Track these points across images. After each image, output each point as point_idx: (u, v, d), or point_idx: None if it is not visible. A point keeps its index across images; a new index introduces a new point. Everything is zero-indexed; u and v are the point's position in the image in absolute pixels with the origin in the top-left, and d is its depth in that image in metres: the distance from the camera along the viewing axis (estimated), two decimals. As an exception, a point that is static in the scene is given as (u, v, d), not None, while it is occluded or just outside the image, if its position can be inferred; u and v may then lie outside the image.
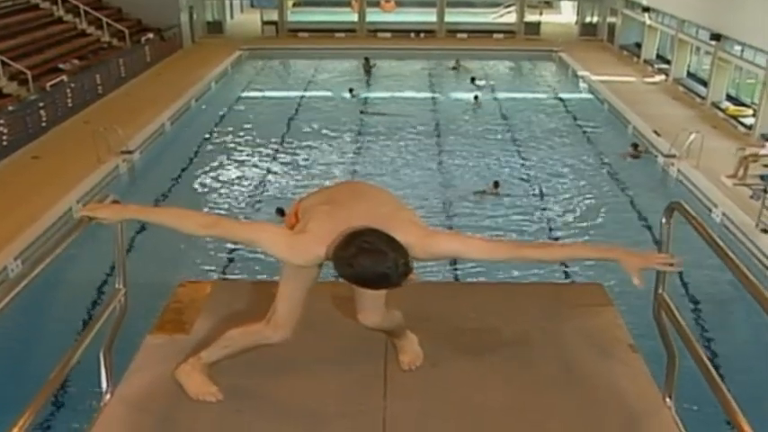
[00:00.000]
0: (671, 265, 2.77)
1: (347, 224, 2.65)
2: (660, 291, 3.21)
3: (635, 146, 16.61)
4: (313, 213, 2.78)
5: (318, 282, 3.11)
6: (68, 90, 18.01)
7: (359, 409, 3.15)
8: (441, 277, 9.96)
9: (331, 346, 3.58)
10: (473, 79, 23.40)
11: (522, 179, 15.12)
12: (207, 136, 17.87)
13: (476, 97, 21.32)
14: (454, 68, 25.51)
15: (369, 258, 2.53)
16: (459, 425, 3.05)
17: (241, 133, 18.05)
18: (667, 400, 3.19)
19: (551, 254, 3.46)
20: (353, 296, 3.20)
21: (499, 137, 18.05)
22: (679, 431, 3.05)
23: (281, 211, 12.45)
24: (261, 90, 23.22)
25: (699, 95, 20.70)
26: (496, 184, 14.13)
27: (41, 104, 16.69)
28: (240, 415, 3.12)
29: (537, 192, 14.31)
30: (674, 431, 3.05)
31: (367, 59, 25.43)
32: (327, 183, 14.64)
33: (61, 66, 19.64)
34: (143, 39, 24.62)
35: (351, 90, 22.34)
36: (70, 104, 17.88)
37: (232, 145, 17.22)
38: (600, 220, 13.05)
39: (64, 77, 18.47)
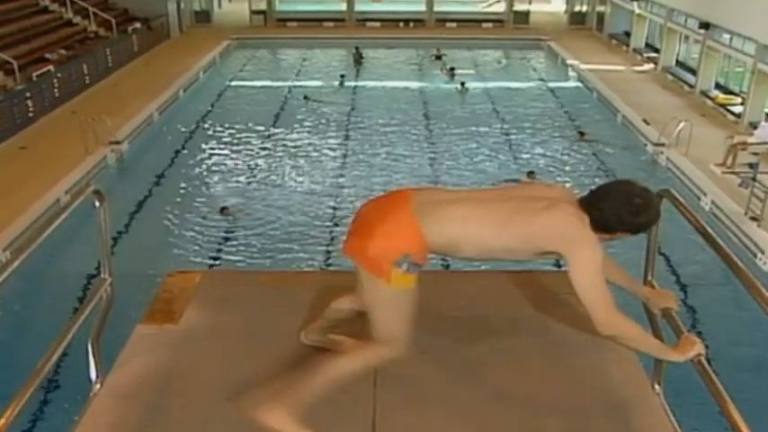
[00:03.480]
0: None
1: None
2: (649, 277, 3.23)
3: (581, 133, 16.90)
4: (519, 212, 2.74)
5: (305, 271, 3.11)
6: (55, 80, 17.88)
7: (349, 397, 3.14)
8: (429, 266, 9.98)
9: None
10: (452, 69, 23.19)
11: (512, 168, 15.14)
12: (196, 126, 17.78)
13: (462, 83, 21.26)
14: (437, 58, 25.32)
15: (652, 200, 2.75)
16: (448, 411, 3.06)
17: (230, 123, 17.95)
18: (656, 386, 3.20)
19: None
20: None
21: (487, 126, 18.02)
22: (667, 418, 3.06)
23: (224, 209, 12.34)
24: (250, 79, 23.12)
25: (688, 84, 20.74)
26: (531, 174, 14.00)
27: (28, 94, 16.57)
28: (230, 404, 3.11)
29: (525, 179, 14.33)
30: (663, 418, 3.07)
31: (357, 49, 25.32)
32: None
33: (48, 55, 19.47)
34: (130, 28, 24.45)
35: (342, 76, 22.33)
36: (57, 94, 17.75)
37: (221, 135, 17.14)
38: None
39: (50, 67, 18.33)
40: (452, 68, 23.10)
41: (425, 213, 2.74)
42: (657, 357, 2.73)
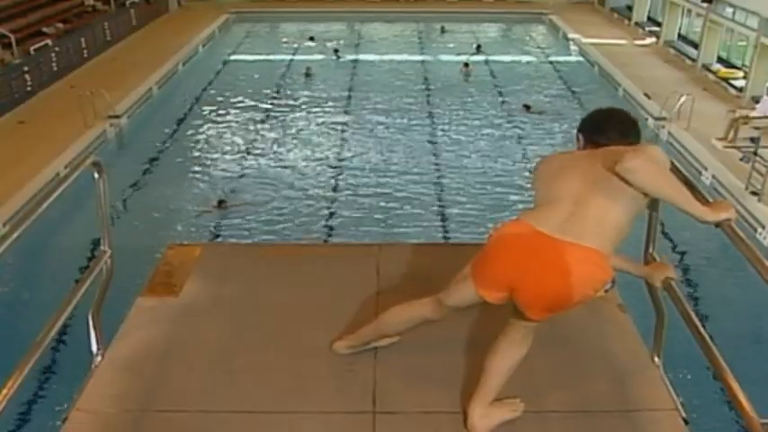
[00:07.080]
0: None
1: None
2: (650, 250, 3.22)
3: (527, 106, 16.94)
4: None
5: (305, 244, 3.10)
6: (53, 54, 17.76)
7: (349, 369, 3.16)
8: (431, 238, 10.02)
9: (321, 307, 3.58)
10: (479, 47, 22.81)
11: (512, 142, 15.11)
12: (195, 100, 17.70)
13: (466, 64, 20.90)
14: (442, 32, 25.18)
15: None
16: (448, 384, 3.07)
17: (229, 97, 17.87)
18: (656, 358, 3.21)
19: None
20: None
21: (486, 100, 17.93)
22: (667, 389, 3.08)
23: (221, 203, 11.86)
24: (249, 53, 22.98)
25: (690, 58, 20.60)
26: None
27: (26, 68, 16.47)
28: (230, 375, 3.13)
29: (527, 155, 14.29)
30: (662, 389, 3.08)
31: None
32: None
33: (45, 29, 19.31)
34: (128, 2, 24.24)
35: (336, 51, 22.19)
36: (55, 68, 17.65)
37: (220, 109, 17.06)
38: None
39: (48, 41, 18.20)
40: (479, 45, 22.80)
41: (579, 235, 2.61)
42: (687, 210, 2.58)
